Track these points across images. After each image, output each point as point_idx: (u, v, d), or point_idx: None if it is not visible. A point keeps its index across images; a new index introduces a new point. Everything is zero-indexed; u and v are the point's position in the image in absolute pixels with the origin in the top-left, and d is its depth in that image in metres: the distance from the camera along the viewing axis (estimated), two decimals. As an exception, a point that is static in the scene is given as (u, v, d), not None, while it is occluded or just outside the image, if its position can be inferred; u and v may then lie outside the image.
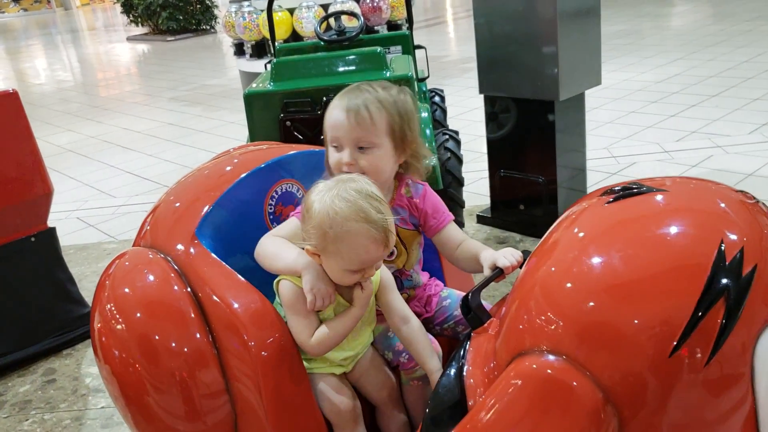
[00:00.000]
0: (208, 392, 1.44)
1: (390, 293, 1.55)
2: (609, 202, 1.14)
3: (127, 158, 5.93)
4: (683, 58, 7.05)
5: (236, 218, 1.67)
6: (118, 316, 1.50)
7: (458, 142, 2.92)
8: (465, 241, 1.62)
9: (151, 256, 1.56)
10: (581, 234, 1.12)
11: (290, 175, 1.77)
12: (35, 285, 2.97)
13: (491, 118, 3.59)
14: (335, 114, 1.56)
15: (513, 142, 3.53)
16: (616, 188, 1.18)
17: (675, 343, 0.94)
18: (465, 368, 1.20)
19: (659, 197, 1.12)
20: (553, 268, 1.09)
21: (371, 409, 1.65)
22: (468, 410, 1.14)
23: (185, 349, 1.44)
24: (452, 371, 1.21)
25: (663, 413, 0.96)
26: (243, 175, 1.67)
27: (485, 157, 3.59)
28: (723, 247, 0.99)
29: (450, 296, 1.73)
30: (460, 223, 3.02)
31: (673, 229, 1.04)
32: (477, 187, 4.10)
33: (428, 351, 1.50)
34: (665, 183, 1.16)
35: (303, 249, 1.44)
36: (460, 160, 2.90)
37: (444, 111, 3.95)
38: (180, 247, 1.55)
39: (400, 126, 1.57)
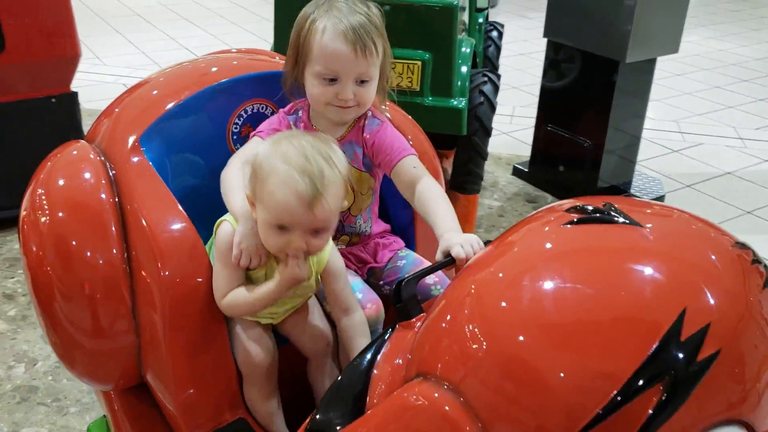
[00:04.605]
0: (114, 313, 1.34)
1: (337, 282, 1.39)
2: (572, 223, 0.94)
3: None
4: (795, 38, 6.45)
5: (192, 133, 1.52)
6: (45, 207, 1.40)
7: (496, 87, 2.65)
8: (422, 182, 1.41)
9: (92, 156, 1.45)
10: (527, 253, 0.95)
11: (265, 95, 1.60)
12: (51, 146, 2.93)
13: (552, 66, 3.33)
14: (335, 44, 1.37)
15: (568, 96, 3.29)
16: (587, 207, 0.97)
17: (582, 425, 0.75)
18: (377, 360, 1.06)
19: (636, 232, 0.90)
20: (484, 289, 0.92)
21: (303, 362, 1.54)
22: (365, 406, 1.02)
23: (99, 261, 1.33)
24: (362, 360, 1.07)
25: None
26: (209, 86, 1.51)
27: (530, 107, 3.34)
28: (684, 317, 0.77)
29: (407, 257, 1.57)
30: (478, 176, 2.79)
31: (634, 278, 0.84)
32: (518, 136, 3.85)
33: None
34: (652, 215, 0.96)
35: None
36: (493, 108, 2.63)
37: (498, 49, 3.62)
38: (120, 152, 1.43)
39: (389, 52, 1.45)
